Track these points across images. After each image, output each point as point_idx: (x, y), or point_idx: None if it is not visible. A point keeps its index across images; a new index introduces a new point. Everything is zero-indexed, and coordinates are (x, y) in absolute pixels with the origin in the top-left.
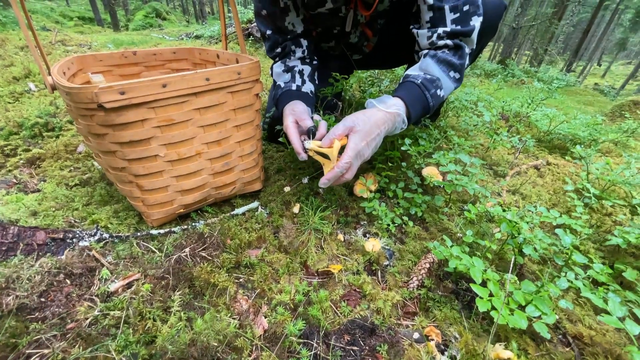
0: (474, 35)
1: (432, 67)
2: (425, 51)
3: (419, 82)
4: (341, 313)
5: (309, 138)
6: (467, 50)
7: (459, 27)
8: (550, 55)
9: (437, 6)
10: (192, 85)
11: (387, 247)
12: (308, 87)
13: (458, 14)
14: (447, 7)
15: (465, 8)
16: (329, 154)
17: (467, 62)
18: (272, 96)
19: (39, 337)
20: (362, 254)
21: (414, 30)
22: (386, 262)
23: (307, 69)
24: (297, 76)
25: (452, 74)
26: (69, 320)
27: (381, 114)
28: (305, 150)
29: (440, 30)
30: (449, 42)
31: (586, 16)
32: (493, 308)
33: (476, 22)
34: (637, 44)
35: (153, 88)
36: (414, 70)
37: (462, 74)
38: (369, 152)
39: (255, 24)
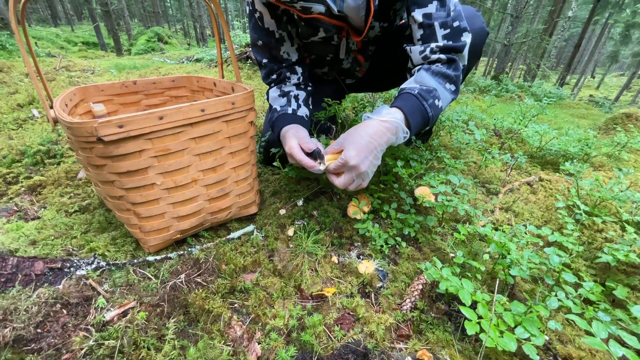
0: (466, 52)
1: (428, 79)
2: (419, 66)
3: (415, 92)
4: (335, 337)
5: (316, 159)
6: (461, 64)
7: (450, 43)
8: (543, 70)
9: (426, 24)
10: (188, 117)
11: (380, 269)
12: (303, 111)
13: (448, 30)
14: (436, 24)
15: (455, 24)
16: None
17: (461, 75)
18: (268, 120)
19: None
20: (356, 276)
21: (407, 48)
22: (380, 284)
23: (302, 94)
24: (293, 100)
25: (447, 85)
26: (64, 351)
27: (375, 124)
28: (319, 162)
29: (433, 45)
30: (442, 56)
31: (577, 31)
32: (482, 330)
33: (467, 38)
34: (628, 56)
35: (150, 120)
36: (409, 84)
37: (458, 86)
38: (364, 166)
39: None
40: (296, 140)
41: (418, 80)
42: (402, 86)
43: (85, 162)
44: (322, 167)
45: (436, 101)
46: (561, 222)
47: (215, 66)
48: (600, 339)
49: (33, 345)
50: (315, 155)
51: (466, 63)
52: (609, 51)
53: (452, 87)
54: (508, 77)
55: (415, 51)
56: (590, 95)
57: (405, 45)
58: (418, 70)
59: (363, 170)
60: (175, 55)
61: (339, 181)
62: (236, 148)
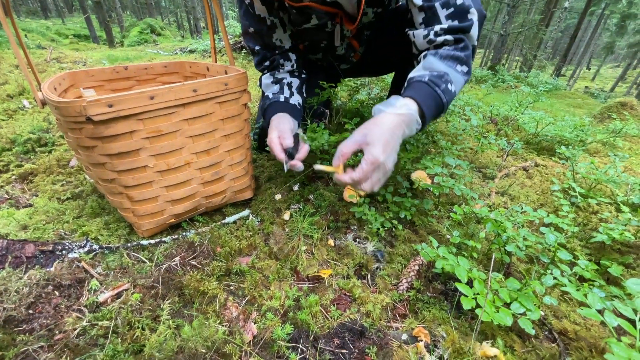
0: (474, 31)
1: (437, 64)
2: (425, 51)
3: (426, 79)
4: (331, 317)
5: (288, 159)
6: (470, 44)
7: (456, 23)
8: (540, 60)
9: (426, 6)
10: (179, 97)
11: (377, 250)
12: (296, 99)
13: (452, 9)
14: (437, 5)
15: (459, 2)
16: (336, 171)
17: (472, 56)
18: (260, 107)
19: (26, 349)
20: (352, 259)
21: (410, 32)
22: (376, 265)
23: (295, 82)
24: (286, 88)
25: (459, 67)
26: (57, 332)
27: (392, 117)
28: (287, 162)
29: (437, 27)
30: (448, 37)
31: (573, 22)
32: (477, 306)
33: (473, 16)
34: (624, 47)
35: (141, 100)
36: (418, 71)
37: (470, 67)
38: (390, 163)
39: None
40: (277, 133)
41: (427, 67)
42: (411, 75)
43: (75, 144)
44: (316, 168)
45: (449, 85)
46: (556, 205)
47: (210, 56)
48: (595, 310)
49: (25, 325)
50: (286, 153)
51: (475, 44)
52: (605, 42)
53: (465, 69)
54: (504, 68)
55: (419, 35)
56: (586, 87)
57: (407, 30)
58: (425, 56)
59: (389, 168)
60: (168, 47)
61: (367, 185)
62: (230, 130)
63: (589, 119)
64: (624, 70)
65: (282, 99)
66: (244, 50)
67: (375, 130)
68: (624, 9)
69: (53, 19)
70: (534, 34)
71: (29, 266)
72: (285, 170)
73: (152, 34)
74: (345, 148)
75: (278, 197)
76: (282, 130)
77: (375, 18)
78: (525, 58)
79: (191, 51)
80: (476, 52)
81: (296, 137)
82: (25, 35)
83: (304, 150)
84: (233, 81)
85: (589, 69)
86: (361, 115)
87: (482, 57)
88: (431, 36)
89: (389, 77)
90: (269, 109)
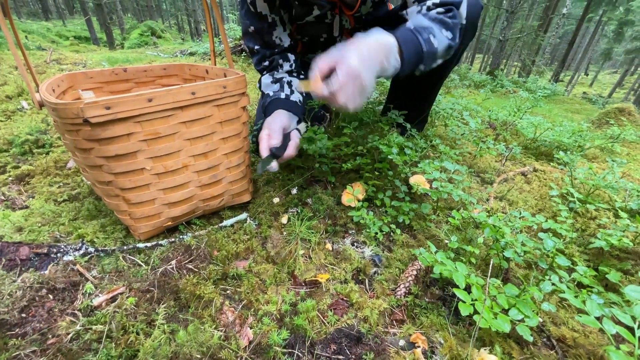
0: (463, 9)
1: (424, 21)
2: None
3: (411, 27)
4: (328, 322)
5: (272, 158)
6: (458, 17)
7: None
8: (538, 66)
9: None
10: (177, 99)
11: (375, 255)
12: (297, 97)
13: None
14: None
15: None
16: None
17: (459, 32)
18: (261, 105)
19: (18, 353)
20: (349, 263)
21: (403, 12)
22: (374, 270)
23: (295, 81)
24: (286, 86)
25: (444, 32)
26: (50, 336)
27: (371, 39)
28: (262, 162)
29: (429, 2)
30: (439, 9)
31: (571, 28)
32: (475, 312)
33: None
34: (621, 53)
35: (138, 102)
36: (404, 24)
37: (456, 35)
38: (367, 79)
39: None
40: (267, 132)
41: (414, 22)
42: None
43: (72, 146)
44: (260, 169)
45: (431, 37)
46: (555, 210)
47: (209, 59)
48: (594, 317)
49: (17, 329)
50: (271, 151)
51: (464, 22)
52: (603, 48)
53: (449, 35)
54: (503, 73)
55: (412, 12)
56: (584, 93)
57: (400, 12)
58: (414, 15)
59: (366, 84)
60: (169, 49)
61: (342, 97)
62: (228, 134)
63: (587, 124)
64: (621, 77)
65: (282, 96)
66: (243, 54)
67: (352, 45)
68: (621, 15)
69: (54, 20)
70: (532, 40)
71: (23, 269)
72: (259, 171)
73: (153, 37)
74: (322, 62)
75: (276, 200)
76: (272, 130)
77: (373, 8)
78: (524, 63)
79: (191, 54)
80: (463, 31)
81: (286, 137)
82: (26, 36)
83: (292, 147)
84: (232, 84)
85: (587, 75)
86: (360, 119)
87: (481, 62)
88: (423, 10)
89: (387, 82)
90: (269, 106)
